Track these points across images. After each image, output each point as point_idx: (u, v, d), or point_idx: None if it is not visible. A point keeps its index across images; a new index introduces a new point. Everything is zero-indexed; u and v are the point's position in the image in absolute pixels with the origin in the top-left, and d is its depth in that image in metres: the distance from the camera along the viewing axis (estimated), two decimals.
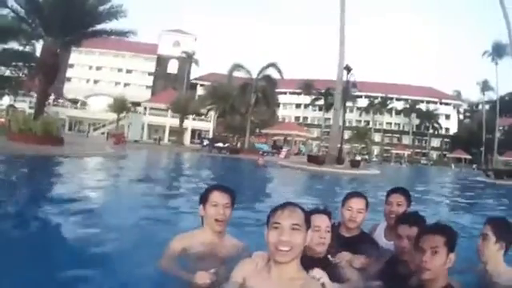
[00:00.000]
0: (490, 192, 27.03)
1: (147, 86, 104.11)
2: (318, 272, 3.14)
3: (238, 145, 59.23)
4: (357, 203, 4.57)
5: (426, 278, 3.18)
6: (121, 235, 5.62)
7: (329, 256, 3.75)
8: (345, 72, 41.52)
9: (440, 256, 3.17)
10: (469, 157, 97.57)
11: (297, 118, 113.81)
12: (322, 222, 3.72)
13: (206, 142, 56.15)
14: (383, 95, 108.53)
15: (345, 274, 3.66)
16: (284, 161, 41.62)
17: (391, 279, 3.70)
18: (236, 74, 60.08)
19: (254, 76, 58.92)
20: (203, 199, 4.03)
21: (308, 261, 3.20)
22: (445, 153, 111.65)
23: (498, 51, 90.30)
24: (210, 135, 69.66)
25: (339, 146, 41.75)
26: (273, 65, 58.83)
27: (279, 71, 59.07)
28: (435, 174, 54.83)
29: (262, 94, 59.30)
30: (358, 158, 52.53)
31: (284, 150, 54.98)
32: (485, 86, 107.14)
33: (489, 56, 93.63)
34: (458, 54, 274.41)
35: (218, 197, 3.98)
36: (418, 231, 3.53)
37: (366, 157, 73.72)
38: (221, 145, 53.69)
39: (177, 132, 64.41)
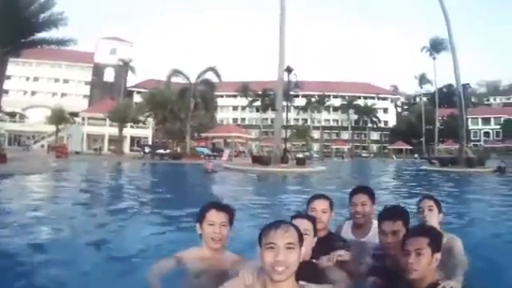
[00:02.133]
0: (438, 178, 30.68)
1: (84, 96, 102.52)
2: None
3: (178, 150, 59.59)
4: (320, 204, 4.75)
5: (414, 277, 3.39)
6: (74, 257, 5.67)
7: (313, 260, 3.84)
8: (285, 73, 43.20)
9: (425, 257, 3.39)
10: (409, 147, 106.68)
11: (234, 120, 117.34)
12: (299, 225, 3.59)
13: (147, 150, 56.36)
14: (321, 93, 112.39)
15: (334, 275, 3.70)
16: (228, 163, 41.97)
17: (381, 274, 3.96)
18: (174, 79, 61.63)
19: (193, 81, 60.33)
20: (200, 217, 4.10)
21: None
22: (385, 145, 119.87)
23: (435, 46, 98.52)
24: (149, 142, 70.11)
25: (283, 145, 43.33)
26: (211, 69, 60.53)
27: (217, 75, 60.97)
28: (381, 165, 58.40)
29: (201, 99, 60.92)
30: (301, 155, 53.41)
31: (226, 153, 56.23)
32: (422, 80, 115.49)
33: (427, 51, 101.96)
34: (394, 50, 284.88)
35: (214, 216, 4.03)
36: (403, 236, 3.69)
37: (307, 153, 75.77)
38: (162, 151, 54.15)
39: (116, 141, 64.29)
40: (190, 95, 58.74)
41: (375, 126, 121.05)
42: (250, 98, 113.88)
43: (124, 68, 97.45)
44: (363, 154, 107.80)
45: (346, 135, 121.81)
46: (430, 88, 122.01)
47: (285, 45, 42.73)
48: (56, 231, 7.48)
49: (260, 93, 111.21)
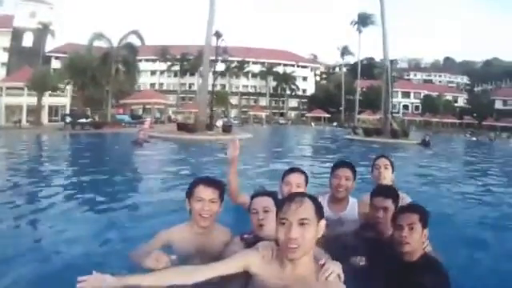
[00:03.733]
0: (364, 147, 33.04)
1: (2, 64, 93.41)
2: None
3: (96, 118, 56.84)
4: (295, 178, 4.81)
5: (406, 250, 3.68)
6: None
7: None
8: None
9: (416, 231, 3.67)
10: (327, 115, 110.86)
11: (152, 85, 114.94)
12: (258, 204, 3.94)
13: (68, 119, 52.59)
14: (240, 59, 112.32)
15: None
16: (151, 131, 38.56)
17: (365, 243, 4.24)
18: (95, 44, 59.79)
19: (115, 45, 58.95)
20: (189, 193, 4.00)
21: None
22: (303, 112, 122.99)
23: (363, 20, 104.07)
24: (67, 111, 66.49)
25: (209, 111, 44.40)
26: (134, 32, 59.70)
27: (141, 38, 60.20)
28: (303, 133, 60.60)
29: (123, 63, 59.69)
30: (222, 122, 53.60)
31: (148, 120, 55.37)
32: (345, 51, 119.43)
33: (354, 24, 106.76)
34: (316, 21, 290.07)
35: (203, 191, 3.92)
36: (394, 211, 4.05)
37: (226, 119, 75.74)
38: (84, 120, 51.82)
39: (34, 111, 60.47)
40: (111, 60, 57.17)
41: (293, 94, 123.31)
42: (168, 63, 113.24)
43: (44, 32, 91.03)
44: (281, 121, 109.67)
45: (263, 102, 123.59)
46: (349, 60, 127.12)
47: (215, 9, 42.86)
48: None
49: (179, 57, 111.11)
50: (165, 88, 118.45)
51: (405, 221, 3.71)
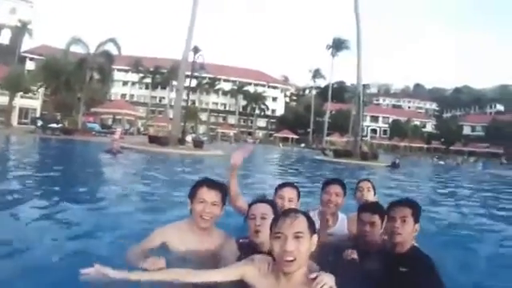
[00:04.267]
0: (334, 168, 33.03)
1: None
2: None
3: (66, 124, 55.99)
4: (287, 192, 4.99)
5: (398, 240, 3.91)
6: None
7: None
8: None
9: (408, 224, 3.91)
10: (295, 136, 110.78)
11: (123, 96, 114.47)
12: (257, 210, 3.99)
13: (39, 123, 51.79)
14: (212, 76, 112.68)
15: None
16: (121, 142, 39.16)
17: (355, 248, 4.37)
18: (72, 48, 58.54)
19: (92, 51, 57.98)
20: (191, 194, 4.10)
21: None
22: (271, 132, 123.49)
23: (337, 45, 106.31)
24: (38, 114, 65.56)
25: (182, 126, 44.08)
26: (112, 40, 58.81)
27: (118, 47, 59.41)
28: (272, 152, 60.09)
29: (99, 71, 59.02)
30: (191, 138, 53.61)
31: (118, 130, 54.77)
32: (316, 74, 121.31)
33: (329, 48, 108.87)
34: (289, 43, 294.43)
35: (205, 193, 4.01)
36: (389, 204, 4.22)
37: (194, 135, 75.29)
38: (55, 125, 50.93)
39: (4, 112, 59.32)
40: (87, 66, 56.50)
41: (263, 114, 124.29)
42: (141, 74, 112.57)
43: (22, 30, 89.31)
44: (248, 140, 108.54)
45: (232, 120, 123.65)
46: (320, 83, 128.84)
47: (194, 24, 42.59)
48: None
49: (152, 70, 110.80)
50: (135, 99, 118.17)
51: (398, 213, 3.97)
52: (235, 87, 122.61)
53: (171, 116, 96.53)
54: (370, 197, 5.90)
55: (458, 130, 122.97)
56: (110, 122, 74.18)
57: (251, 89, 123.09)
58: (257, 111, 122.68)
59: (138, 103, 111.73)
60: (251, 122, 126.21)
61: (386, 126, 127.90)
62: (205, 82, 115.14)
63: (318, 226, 4.29)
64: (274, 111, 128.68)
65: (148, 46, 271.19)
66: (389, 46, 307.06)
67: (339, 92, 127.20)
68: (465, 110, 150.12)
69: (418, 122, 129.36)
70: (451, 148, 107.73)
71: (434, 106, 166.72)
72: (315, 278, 2.98)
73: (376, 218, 4.47)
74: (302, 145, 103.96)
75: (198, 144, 42.67)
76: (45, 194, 9.77)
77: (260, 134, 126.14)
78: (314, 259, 3.47)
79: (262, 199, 4.39)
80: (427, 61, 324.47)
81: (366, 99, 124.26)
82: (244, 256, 3.59)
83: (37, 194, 9.54)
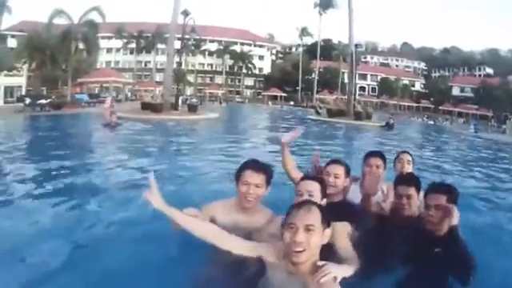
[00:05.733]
0: (329, 128, 34.68)
1: None
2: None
3: (53, 98, 54.19)
4: (334, 169, 4.93)
5: (432, 227, 3.94)
6: None
7: None
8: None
9: (443, 211, 3.85)
10: (284, 94, 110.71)
11: (108, 63, 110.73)
12: (304, 186, 4.05)
13: (28, 101, 51.09)
14: (197, 37, 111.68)
15: (345, 253, 3.64)
16: (111, 110, 37.93)
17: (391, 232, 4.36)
18: (55, 21, 56.20)
19: (76, 22, 55.86)
20: (237, 175, 4.22)
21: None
22: (259, 91, 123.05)
23: (325, 4, 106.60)
24: (23, 91, 62.43)
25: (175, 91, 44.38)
26: (95, 8, 56.65)
27: (102, 15, 57.38)
28: (263, 111, 62.10)
29: (84, 41, 57.26)
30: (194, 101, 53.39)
31: (108, 99, 53.66)
32: (303, 32, 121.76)
33: (316, 7, 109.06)
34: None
35: (249, 176, 4.12)
36: (426, 190, 4.18)
37: (186, 97, 74.38)
38: (43, 101, 48.23)
39: None
40: (71, 37, 54.60)
41: (250, 73, 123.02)
42: (125, 40, 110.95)
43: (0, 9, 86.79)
44: (237, 100, 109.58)
45: (219, 80, 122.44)
46: (306, 40, 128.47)
47: None
48: None
49: (135, 34, 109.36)
50: (120, 66, 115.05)
51: (432, 201, 3.96)
52: (221, 47, 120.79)
53: (157, 79, 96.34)
54: (409, 169, 6.09)
55: (447, 91, 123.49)
56: (96, 90, 72.75)
57: (237, 48, 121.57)
58: (244, 70, 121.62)
59: (124, 69, 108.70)
60: (239, 82, 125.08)
61: (375, 83, 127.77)
62: (190, 43, 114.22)
63: (359, 196, 4.91)
64: (261, 70, 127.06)
65: (131, 11, 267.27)
66: (376, 3, 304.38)
67: (326, 49, 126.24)
68: (453, 71, 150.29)
69: (406, 81, 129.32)
70: (440, 108, 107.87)
71: (422, 65, 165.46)
72: (322, 267, 3.05)
73: (412, 191, 4.52)
74: (291, 103, 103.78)
75: (192, 108, 42.22)
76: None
77: (248, 93, 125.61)
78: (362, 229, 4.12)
79: (311, 176, 4.54)
80: (415, 20, 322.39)
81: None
82: None
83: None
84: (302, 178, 4.27)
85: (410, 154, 6.35)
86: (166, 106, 38.67)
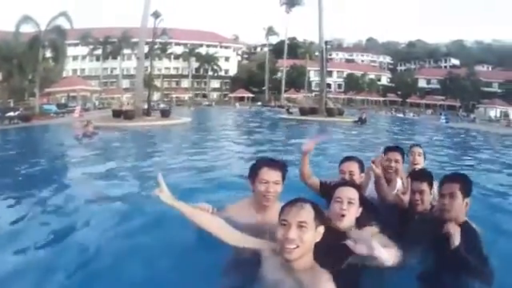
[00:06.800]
0: (304, 126, 35.33)
1: None
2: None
3: (21, 110, 52.28)
4: (348, 166, 5.30)
5: (447, 217, 4.00)
6: None
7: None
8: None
9: (457, 199, 3.99)
10: (251, 95, 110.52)
11: (74, 71, 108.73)
12: (344, 193, 3.92)
13: None
14: (163, 40, 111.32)
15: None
16: (81, 119, 34.56)
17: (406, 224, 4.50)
18: (22, 28, 54.11)
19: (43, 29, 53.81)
20: (252, 174, 4.23)
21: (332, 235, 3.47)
22: (225, 93, 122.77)
23: (291, 2, 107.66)
24: None
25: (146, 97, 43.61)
26: (63, 14, 55.09)
27: (70, 21, 55.70)
28: (234, 113, 62.29)
29: (52, 48, 55.94)
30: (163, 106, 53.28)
31: (77, 108, 52.06)
32: (269, 31, 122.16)
33: (282, 5, 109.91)
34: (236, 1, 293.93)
35: (267, 174, 4.12)
36: (440, 180, 4.31)
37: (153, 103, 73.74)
38: (12, 114, 46.46)
39: None
40: (39, 44, 52.86)
41: (216, 75, 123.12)
42: (91, 46, 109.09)
43: None
44: (204, 103, 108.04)
45: (186, 83, 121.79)
46: (271, 40, 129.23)
47: None
48: None
49: (102, 40, 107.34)
50: (87, 73, 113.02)
51: (446, 190, 4.07)
52: (187, 50, 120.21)
53: (124, 86, 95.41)
54: (421, 161, 6.55)
55: (414, 83, 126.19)
56: (63, 100, 70.79)
57: (203, 50, 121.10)
58: (210, 72, 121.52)
59: (90, 77, 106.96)
60: (205, 84, 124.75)
61: (341, 80, 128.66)
62: (157, 46, 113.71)
63: (374, 191, 5.18)
64: (227, 71, 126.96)
65: (97, 16, 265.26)
66: (340, 0, 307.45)
67: (292, 48, 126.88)
68: (419, 64, 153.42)
69: (373, 76, 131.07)
70: (408, 100, 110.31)
71: (387, 59, 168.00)
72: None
73: (425, 186, 4.64)
74: (259, 103, 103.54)
75: (165, 113, 41.87)
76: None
77: (215, 95, 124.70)
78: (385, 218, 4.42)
79: (349, 182, 4.38)
80: (379, 15, 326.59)
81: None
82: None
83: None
84: (342, 184, 4.15)
85: (421, 147, 6.80)
86: (138, 113, 37.97)
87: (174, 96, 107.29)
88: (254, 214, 4.22)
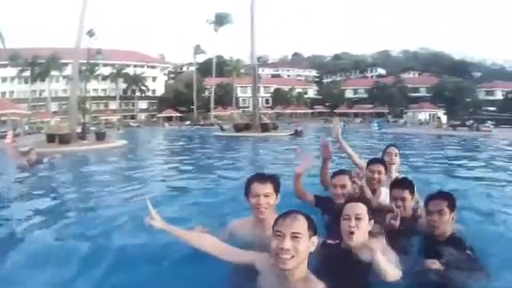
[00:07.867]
0: (240, 143, 35.48)
1: None
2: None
3: None
4: (338, 179, 5.39)
5: (436, 233, 4.27)
6: None
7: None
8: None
9: (445, 216, 4.24)
10: (179, 115, 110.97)
11: (3, 94, 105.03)
12: (351, 210, 3.86)
13: None
14: (90, 61, 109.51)
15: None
16: (14, 145, 32.92)
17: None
18: None
19: None
20: (246, 190, 4.38)
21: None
22: (153, 113, 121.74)
23: (220, 20, 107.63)
24: None
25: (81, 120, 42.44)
26: None
27: (2, 40, 54.84)
28: (165, 133, 62.60)
29: None
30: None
31: (9, 133, 50.92)
32: (197, 50, 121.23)
33: (211, 23, 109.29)
34: (162, 20, 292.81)
35: (257, 188, 4.27)
36: (426, 197, 4.50)
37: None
38: None
39: None
40: None
41: (144, 95, 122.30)
42: (19, 68, 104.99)
43: None
44: (132, 124, 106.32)
45: (114, 105, 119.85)
46: (198, 59, 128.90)
47: (87, 6, 39.43)
48: None
49: (30, 61, 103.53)
50: (15, 96, 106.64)
51: (435, 207, 4.30)
52: (114, 71, 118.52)
53: (53, 109, 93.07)
54: (397, 161, 6.81)
55: (341, 94, 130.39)
56: None
57: (131, 71, 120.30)
58: (137, 93, 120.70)
59: (19, 100, 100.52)
60: (133, 105, 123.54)
61: (268, 95, 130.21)
62: (84, 68, 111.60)
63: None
64: (154, 91, 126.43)
65: (26, 36, 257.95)
66: (265, 17, 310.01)
67: (218, 66, 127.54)
68: (345, 75, 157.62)
69: (300, 89, 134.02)
70: (336, 111, 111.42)
71: (313, 72, 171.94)
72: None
73: (406, 193, 4.90)
74: (187, 122, 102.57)
75: (100, 136, 39.50)
76: None
77: (143, 116, 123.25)
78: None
79: (356, 197, 4.58)
80: (304, 30, 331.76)
81: (244, 71, 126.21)
82: (326, 259, 3.81)
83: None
84: (349, 200, 4.15)
85: (396, 147, 7.06)
86: (74, 137, 35.79)
87: (103, 118, 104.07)
88: (253, 228, 4.37)
